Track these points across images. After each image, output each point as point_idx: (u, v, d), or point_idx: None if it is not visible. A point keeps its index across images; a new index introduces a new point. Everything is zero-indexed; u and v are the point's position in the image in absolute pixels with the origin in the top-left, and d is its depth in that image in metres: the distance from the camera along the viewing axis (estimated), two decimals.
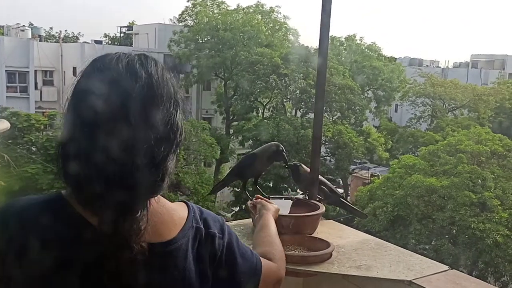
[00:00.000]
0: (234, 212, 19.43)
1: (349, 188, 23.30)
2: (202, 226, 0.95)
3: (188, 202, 1.00)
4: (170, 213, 0.93)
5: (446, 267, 1.89)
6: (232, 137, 22.67)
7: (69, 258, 0.82)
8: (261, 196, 1.66)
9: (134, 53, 0.89)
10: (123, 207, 0.80)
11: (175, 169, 0.90)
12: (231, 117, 23.67)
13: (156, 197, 0.90)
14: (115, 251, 0.81)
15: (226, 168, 21.12)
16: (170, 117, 0.85)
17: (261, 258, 1.08)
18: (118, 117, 0.79)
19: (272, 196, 2.33)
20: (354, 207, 2.70)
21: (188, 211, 0.96)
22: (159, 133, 0.82)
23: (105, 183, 0.79)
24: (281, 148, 2.21)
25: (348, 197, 22.68)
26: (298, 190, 2.60)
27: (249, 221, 2.21)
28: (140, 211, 0.82)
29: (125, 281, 0.83)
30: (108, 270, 0.81)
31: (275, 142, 2.29)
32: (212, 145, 18.54)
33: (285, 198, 2.44)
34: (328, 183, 2.50)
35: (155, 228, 0.87)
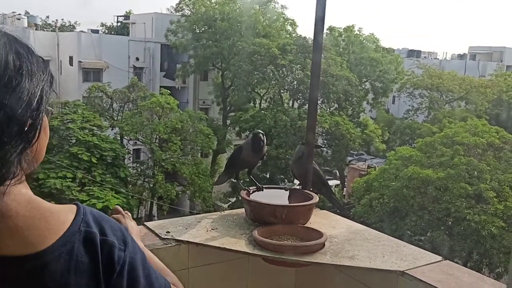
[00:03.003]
0: (231, 202, 19.46)
1: (346, 179, 23.35)
2: (95, 231, 0.78)
3: (80, 204, 0.82)
4: (45, 216, 0.75)
5: (439, 258, 1.88)
6: (229, 128, 22.65)
7: None
8: (119, 210, 1.23)
9: None
10: None
11: (32, 156, 0.74)
12: (228, 108, 23.61)
13: (24, 197, 0.74)
14: None
15: (223, 158, 21.11)
16: None
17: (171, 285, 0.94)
18: None
19: (266, 186, 2.33)
20: (338, 200, 2.72)
21: (77, 213, 0.79)
22: None
23: None
24: (259, 136, 2.18)
25: (345, 188, 22.77)
26: (294, 181, 2.60)
27: (242, 211, 2.20)
28: None
29: None
30: None
31: (258, 130, 2.26)
32: (209, 136, 18.50)
33: (279, 188, 2.44)
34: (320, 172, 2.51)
35: (19, 236, 0.71)
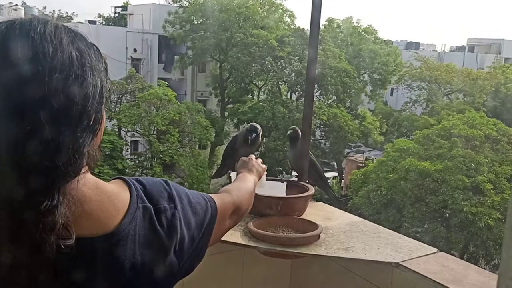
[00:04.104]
0: None
1: (344, 171, 23.38)
2: (149, 204, 0.87)
3: (127, 179, 0.89)
4: (111, 199, 0.83)
5: (435, 249, 1.89)
6: (227, 119, 22.61)
7: None
8: (251, 156, 1.61)
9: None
10: (14, 201, 0.67)
11: (96, 146, 0.79)
12: (226, 100, 23.56)
13: (92, 182, 0.80)
14: (25, 258, 0.68)
15: (221, 150, 21.06)
16: (67, 89, 0.70)
17: (216, 196, 1.08)
18: None
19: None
20: (334, 192, 2.73)
21: (130, 191, 0.86)
22: (49, 110, 0.68)
23: None
24: (253, 128, 2.22)
25: (343, 180, 22.81)
26: (292, 173, 2.59)
27: None
28: (46, 203, 0.68)
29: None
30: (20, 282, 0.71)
31: (253, 122, 2.29)
32: (207, 128, 18.47)
33: (275, 180, 2.43)
34: (318, 164, 2.50)
35: (94, 218, 0.79)
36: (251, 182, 1.39)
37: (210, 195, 1.07)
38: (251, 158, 1.57)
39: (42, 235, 0.68)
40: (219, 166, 2.74)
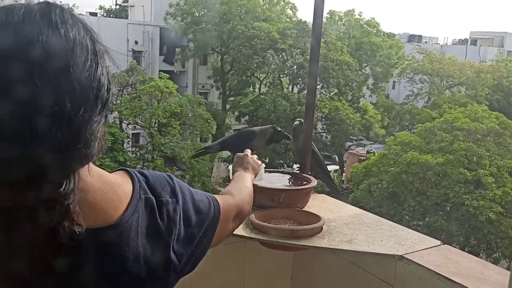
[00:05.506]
0: None
1: (345, 164, 23.37)
2: (151, 196, 0.87)
3: (130, 170, 0.89)
4: (114, 189, 0.82)
5: (438, 242, 1.87)
6: (228, 112, 22.58)
7: None
8: (246, 151, 1.59)
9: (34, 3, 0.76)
10: (35, 180, 0.66)
11: (105, 132, 0.78)
12: (228, 92, 23.52)
13: (95, 172, 0.80)
14: (40, 242, 0.68)
15: None
16: (85, 73, 0.71)
17: (219, 197, 1.08)
18: (14, 74, 0.66)
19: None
20: (335, 185, 2.73)
21: (133, 182, 0.86)
22: (73, 92, 0.69)
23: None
24: (278, 129, 2.32)
25: (344, 174, 22.81)
26: (293, 166, 2.58)
27: None
28: (65, 186, 0.68)
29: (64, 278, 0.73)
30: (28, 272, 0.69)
31: (271, 125, 2.37)
32: (208, 120, 18.45)
33: (277, 172, 2.41)
34: (320, 156, 2.49)
35: (98, 209, 0.78)
36: (249, 182, 1.40)
37: (214, 195, 1.07)
38: (247, 154, 1.55)
39: (57, 219, 0.68)
40: (212, 145, 2.72)
